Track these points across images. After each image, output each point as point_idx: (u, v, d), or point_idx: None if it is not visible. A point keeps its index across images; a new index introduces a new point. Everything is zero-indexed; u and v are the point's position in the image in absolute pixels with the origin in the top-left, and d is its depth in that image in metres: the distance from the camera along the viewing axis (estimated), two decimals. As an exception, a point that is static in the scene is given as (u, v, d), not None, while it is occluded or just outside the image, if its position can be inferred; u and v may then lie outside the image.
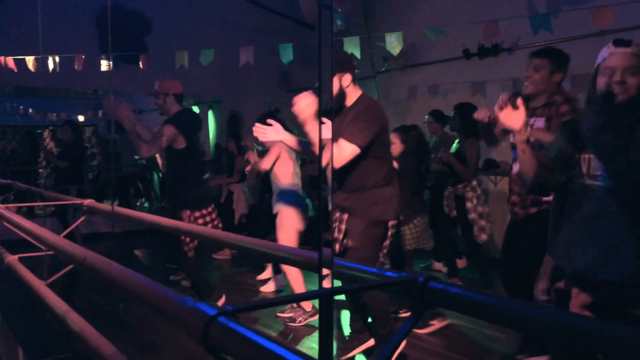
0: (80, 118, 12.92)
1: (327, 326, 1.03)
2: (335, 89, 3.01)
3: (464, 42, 6.30)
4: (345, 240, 3.01)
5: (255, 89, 8.56)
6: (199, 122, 4.47)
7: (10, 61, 6.68)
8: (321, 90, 0.93)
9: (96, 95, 12.88)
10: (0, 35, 6.72)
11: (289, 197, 4.15)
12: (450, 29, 5.45)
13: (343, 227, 3.04)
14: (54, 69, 6.58)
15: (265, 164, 4.14)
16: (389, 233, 3.09)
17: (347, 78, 3.01)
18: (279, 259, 1.18)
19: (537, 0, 5.84)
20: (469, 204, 4.79)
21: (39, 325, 4.23)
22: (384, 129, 3.07)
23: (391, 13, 7.38)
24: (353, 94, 3.07)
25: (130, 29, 7.71)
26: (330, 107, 2.99)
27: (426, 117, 5.66)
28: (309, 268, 1.15)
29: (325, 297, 1.03)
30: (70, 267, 2.70)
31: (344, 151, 2.87)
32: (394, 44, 4.86)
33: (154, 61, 6.88)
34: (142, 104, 11.51)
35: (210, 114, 9.73)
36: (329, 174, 2.92)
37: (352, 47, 4.83)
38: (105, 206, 2.40)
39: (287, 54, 5.57)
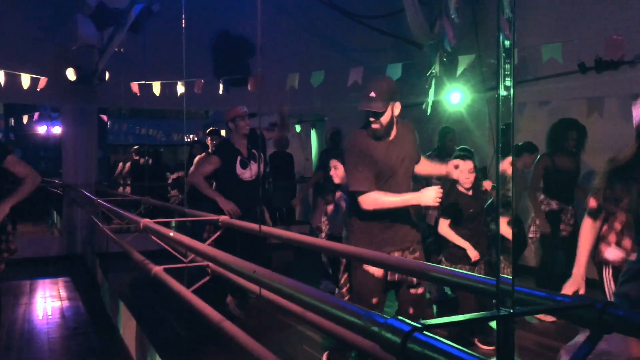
0: (193, 137, 13.74)
1: (506, 348, 1.06)
2: (387, 117, 2.94)
3: (578, 55, 6.03)
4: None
5: (357, 107, 8.68)
6: None
7: (135, 86, 7.29)
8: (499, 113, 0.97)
9: (206, 115, 13.67)
10: (131, 63, 7.31)
11: None
12: (563, 40, 5.25)
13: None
14: (174, 92, 7.09)
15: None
16: None
17: (398, 106, 2.97)
18: (456, 284, 1.21)
19: (663, 9, 5.50)
20: None
21: (175, 333, 4.52)
22: None
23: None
24: (397, 124, 3.05)
25: (240, 53, 8.15)
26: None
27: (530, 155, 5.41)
28: (487, 294, 1.19)
29: (503, 319, 1.06)
30: (208, 277, 2.90)
31: None
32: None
33: (264, 83, 7.21)
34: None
35: (313, 132, 9.99)
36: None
37: (467, 64, 4.80)
38: (247, 224, 2.55)
39: (395, 73, 5.64)
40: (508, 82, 1.14)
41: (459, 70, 5.26)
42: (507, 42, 1.08)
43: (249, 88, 7.18)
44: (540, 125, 5.69)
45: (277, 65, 7.67)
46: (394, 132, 3.03)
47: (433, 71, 5.70)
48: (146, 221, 2.71)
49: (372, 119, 2.94)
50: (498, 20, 1.11)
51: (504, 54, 1.08)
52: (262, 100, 7.96)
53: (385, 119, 2.92)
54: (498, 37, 1.08)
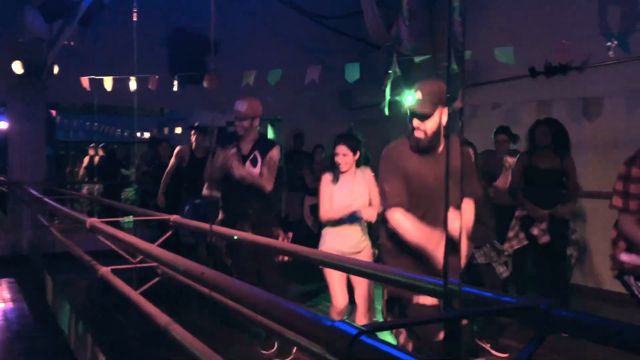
0: (147, 134, 13.43)
1: (454, 349, 1.06)
2: (434, 125, 2.50)
3: (529, 59, 6.19)
4: None
5: (316, 106, 8.72)
6: None
7: (85, 81, 7.06)
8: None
9: (162, 113, 13.40)
10: (81, 57, 7.09)
11: None
12: (515, 45, 5.39)
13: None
14: (127, 88, 6.90)
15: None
16: None
17: (446, 113, 2.49)
18: (405, 285, 1.21)
19: (609, 17, 5.71)
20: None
21: (124, 337, 4.40)
22: None
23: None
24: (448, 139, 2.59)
25: (196, 50, 8.01)
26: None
27: (498, 135, 5.50)
28: (436, 294, 1.19)
29: (450, 321, 1.06)
30: (158, 279, 2.83)
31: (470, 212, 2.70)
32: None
33: (221, 81, 7.11)
34: (205, 121, 11.85)
35: (270, 130, 9.93)
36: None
37: (422, 66, 4.86)
38: (198, 223, 2.50)
39: (353, 73, 5.66)
40: (458, 84, 1.14)
41: (419, 74, 5.31)
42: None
43: (205, 85, 7.07)
44: (493, 126, 5.80)
45: (234, 63, 7.58)
46: (440, 148, 2.59)
47: (389, 72, 5.74)
48: (93, 220, 2.62)
49: (415, 124, 2.54)
50: (449, 23, 1.11)
51: (454, 57, 1.08)
52: (219, 97, 7.88)
53: (431, 125, 2.51)
54: (448, 39, 1.08)
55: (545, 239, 4.62)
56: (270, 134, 9.87)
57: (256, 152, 3.93)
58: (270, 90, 6.81)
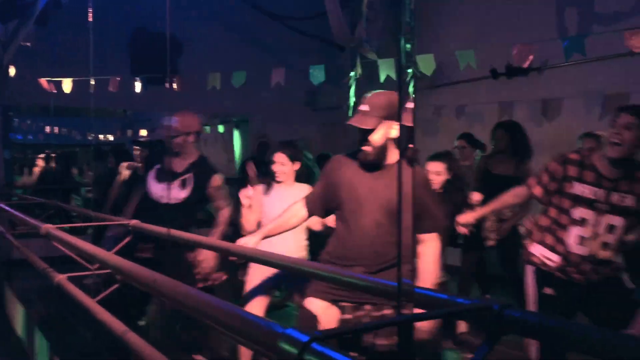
0: (110, 137, 13.17)
1: (407, 353, 1.06)
2: (379, 139, 2.36)
3: (491, 61, 6.30)
4: None
5: (281, 108, 8.67)
6: None
7: (44, 82, 6.88)
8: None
9: (125, 114, 13.12)
10: (39, 58, 6.91)
11: None
12: (477, 48, 5.46)
13: None
14: (88, 89, 6.73)
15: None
16: None
17: (393, 128, 2.33)
18: (357, 286, 1.20)
19: (567, 20, 5.85)
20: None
21: (82, 345, 4.29)
22: None
23: (419, 32, 7.42)
24: (394, 153, 2.41)
25: (160, 51, 7.87)
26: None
27: (456, 141, 5.43)
28: (389, 296, 1.18)
29: (404, 324, 1.06)
30: (116, 286, 2.75)
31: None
32: (426, 65, 4.90)
33: (185, 82, 7.03)
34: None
35: (236, 133, 9.85)
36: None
37: (388, 69, 4.88)
38: (156, 227, 2.44)
39: (318, 76, 5.65)
40: (411, 88, 1.14)
41: (382, 76, 5.32)
42: (407, 46, 1.08)
43: (167, 86, 6.98)
44: (457, 127, 5.88)
45: (198, 64, 7.49)
46: (387, 164, 2.44)
47: (351, 74, 5.75)
48: (48, 227, 2.54)
49: (360, 137, 2.42)
50: (399, 25, 1.11)
51: (404, 58, 1.08)
52: (183, 99, 7.77)
53: (376, 140, 2.36)
54: (399, 41, 1.08)
55: (492, 242, 4.56)
56: (236, 137, 9.79)
57: (191, 175, 3.56)
58: (234, 91, 6.76)
